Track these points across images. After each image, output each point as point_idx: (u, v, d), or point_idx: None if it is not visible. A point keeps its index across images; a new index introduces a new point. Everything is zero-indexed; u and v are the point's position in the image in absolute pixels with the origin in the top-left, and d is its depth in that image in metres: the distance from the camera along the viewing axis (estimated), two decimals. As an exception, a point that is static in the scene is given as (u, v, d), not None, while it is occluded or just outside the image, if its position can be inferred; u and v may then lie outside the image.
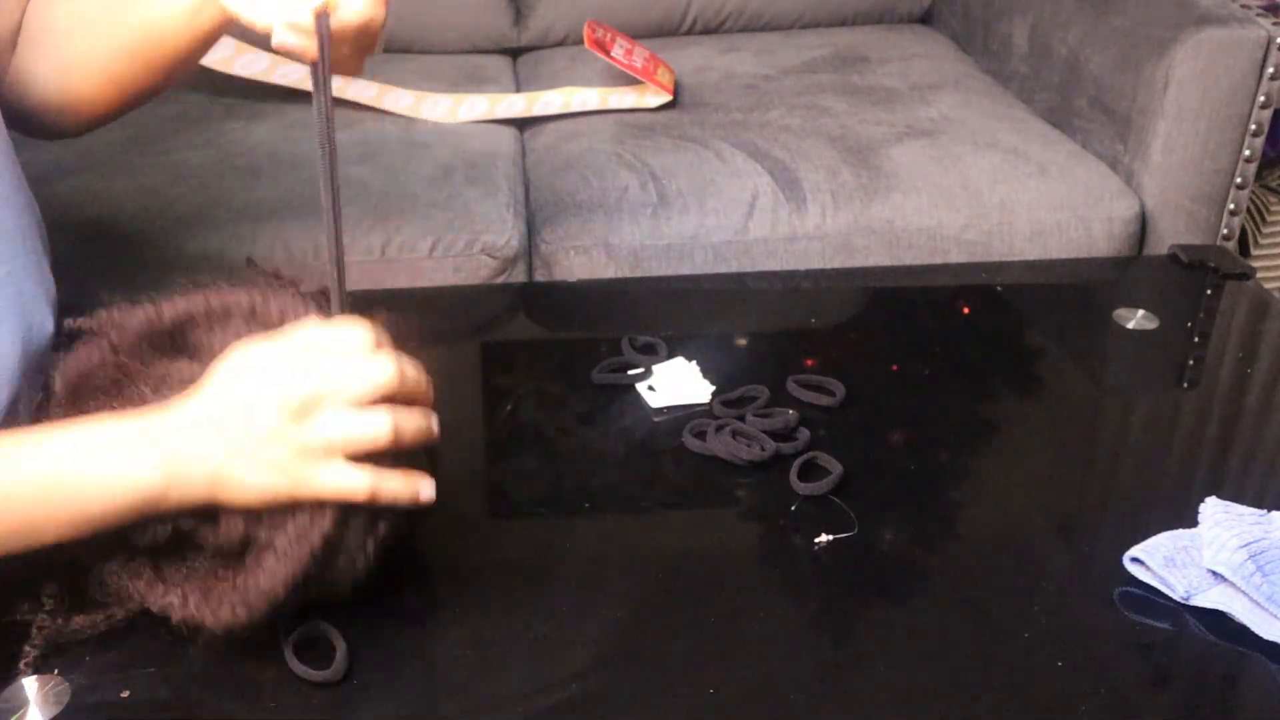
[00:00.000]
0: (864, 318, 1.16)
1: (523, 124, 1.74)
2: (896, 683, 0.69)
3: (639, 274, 1.43)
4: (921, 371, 1.01)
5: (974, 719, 0.68)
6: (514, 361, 1.05)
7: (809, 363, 1.01)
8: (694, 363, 0.98)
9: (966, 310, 1.13)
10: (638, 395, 0.95)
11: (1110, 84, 1.60)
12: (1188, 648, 0.73)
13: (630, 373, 0.97)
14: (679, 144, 1.60)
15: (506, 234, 1.41)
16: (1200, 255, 1.18)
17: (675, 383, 0.96)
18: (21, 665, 0.67)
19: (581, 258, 1.43)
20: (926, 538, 0.81)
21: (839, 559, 0.78)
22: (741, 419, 0.90)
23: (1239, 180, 1.56)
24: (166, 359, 0.71)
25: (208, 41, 0.89)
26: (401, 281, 1.37)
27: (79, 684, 0.67)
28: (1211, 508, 0.77)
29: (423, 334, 0.72)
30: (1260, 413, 0.97)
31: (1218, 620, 0.73)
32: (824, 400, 0.94)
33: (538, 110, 1.73)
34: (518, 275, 1.43)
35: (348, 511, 0.67)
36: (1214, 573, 0.74)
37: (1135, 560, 0.76)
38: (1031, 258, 1.49)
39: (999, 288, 1.17)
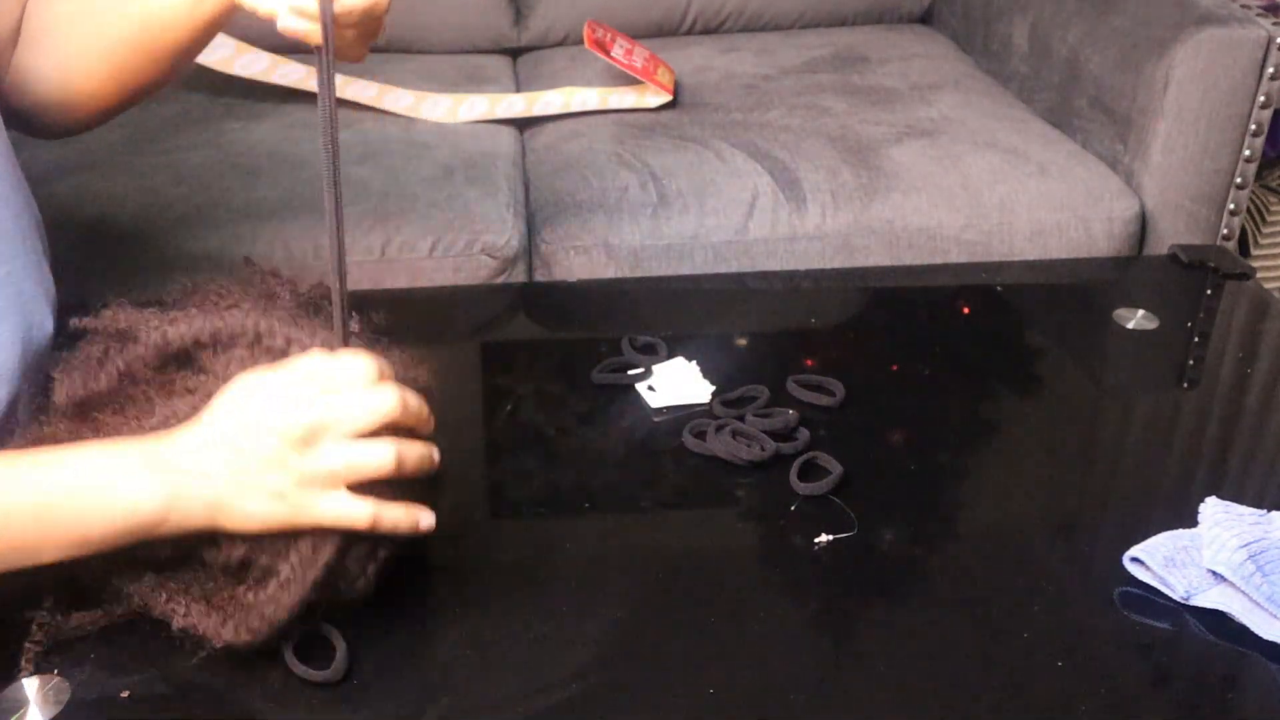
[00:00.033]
0: (864, 318, 1.16)
1: (523, 124, 1.74)
2: (896, 683, 0.69)
3: (639, 274, 1.43)
4: (921, 371, 1.01)
5: (974, 719, 0.68)
6: (514, 361, 1.06)
7: (809, 363, 1.01)
8: (694, 363, 0.98)
9: (966, 310, 1.13)
10: (638, 395, 0.95)
11: (1110, 84, 1.60)
12: (1188, 648, 0.73)
13: (630, 373, 0.97)
14: (679, 144, 1.60)
15: (506, 234, 1.41)
16: (1200, 255, 1.18)
17: (675, 383, 0.96)
18: (22, 663, 0.67)
19: (581, 258, 1.43)
20: (926, 538, 0.81)
21: (839, 559, 0.78)
22: (741, 419, 0.90)
23: (1239, 180, 1.56)
24: (173, 376, 0.72)
25: (210, 32, 0.89)
26: (401, 281, 1.37)
27: (79, 683, 0.67)
28: (1211, 508, 0.77)
29: (429, 374, 0.73)
30: (1260, 413, 0.97)
31: (1218, 620, 0.73)
32: (824, 400, 0.94)
33: (538, 110, 1.73)
34: (518, 275, 1.42)
35: (350, 540, 0.67)
36: (1214, 573, 0.74)
37: (1135, 560, 0.76)
38: (1031, 258, 1.49)
39: (999, 288, 1.17)
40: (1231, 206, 1.57)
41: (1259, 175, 1.66)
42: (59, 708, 0.65)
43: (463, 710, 0.68)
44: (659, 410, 0.93)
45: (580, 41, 1.77)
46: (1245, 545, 0.73)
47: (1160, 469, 0.91)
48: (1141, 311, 1.08)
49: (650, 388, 0.95)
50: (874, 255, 1.47)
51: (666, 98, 1.71)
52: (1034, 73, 1.80)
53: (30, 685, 0.67)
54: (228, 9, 0.86)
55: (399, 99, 1.71)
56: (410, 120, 1.67)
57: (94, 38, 0.89)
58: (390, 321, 0.76)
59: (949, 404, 0.97)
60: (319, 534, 0.66)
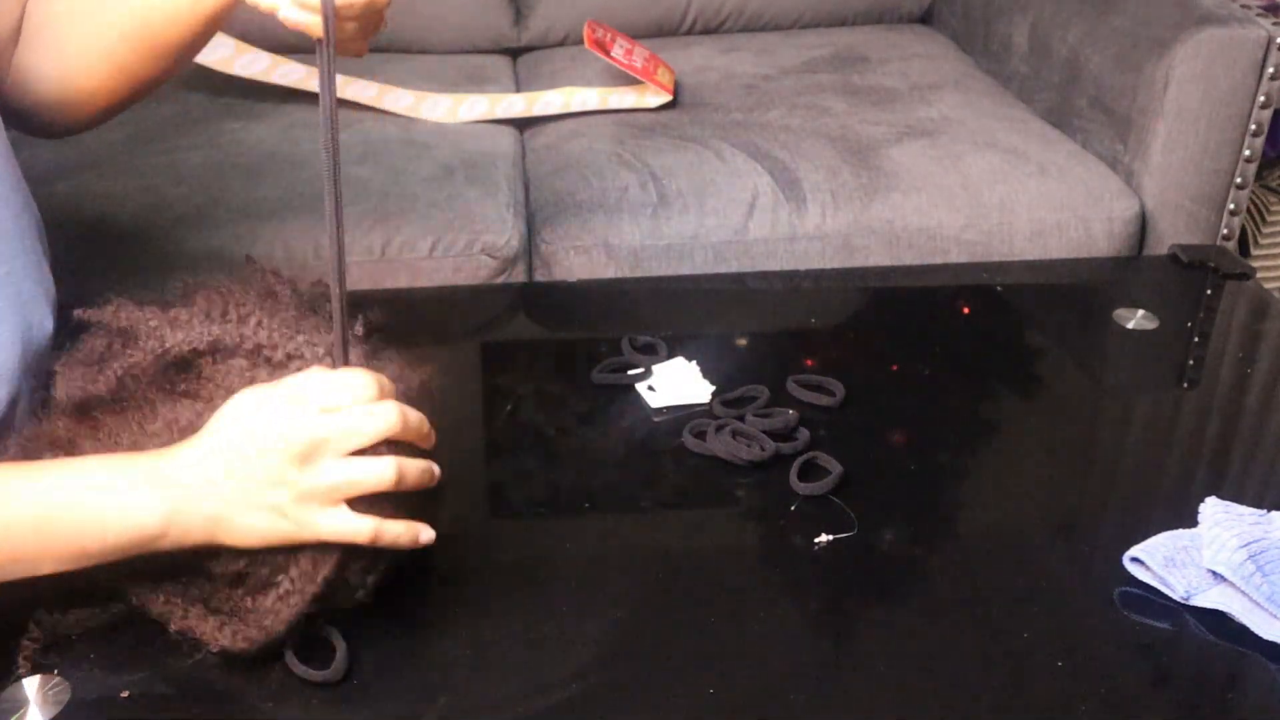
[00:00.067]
0: (864, 318, 1.16)
1: (523, 124, 1.73)
2: (896, 683, 0.69)
3: (639, 274, 1.43)
4: (921, 371, 1.01)
5: (974, 719, 0.68)
6: (514, 361, 1.06)
7: (809, 363, 1.01)
8: (694, 363, 0.98)
9: (966, 310, 1.13)
10: (638, 395, 0.95)
11: (1110, 84, 1.60)
12: (1188, 648, 0.73)
13: (630, 373, 0.97)
14: (679, 144, 1.59)
15: (506, 234, 1.41)
16: (1200, 255, 1.18)
17: (675, 383, 0.95)
18: (20, 660, 0.67)
19: (581, 258, 1.43)
20: (926, 538, 0.81)
21: (839, 559, 0.78)
22: (741, 419, 0.90)
23: (1239, 180, 1.56)
24: (174, 379, 0.72)
25: (212, 26, 0.89)
26: (401, 281, 1.37)
27: (79, 683, 0.67)
28: (1211, 508, 0.77)
29: (432, 387, 0.73)
30: (1260, 413, 0.97)
31: (1218, 620, 0.73)
32: (824, 400, 0.94)
33: (538, 110, 1.73)
34: (518, 275, 1.42)
35: (349, 554, 0.67)
36: (1214, 573, 0.74)
37: (1135, 560, 0.76)
38: (1031, 258, 1.49)
39: (999, 288, 1.17)
40: (1231, 206, 1.57)
41: (1259, 175, 1.66)
42: (59, 708, 0.65)
43: (462, 710, 0.68)
44: (659, 410, 0.93)
45: (580, 41, 1.77)
46: (1245, 545, 0.73)
47: (1160, 469, 0.91)
48: (1141, 311, 1.08)
49: (650, 388, 0.95)
50: (874, 255, 1.47)
51: (666, 98, 1.71)
52: (1034, 73, 1.80)
53: (30, 685, 0.67)
54: (230, 3, 0.86)
55: (399, 99, 1.71)
56: (410, 120, 1.67)
57: (95, 34, 0.89)
58: (390, 321, 0.76)
59: (949, 404, 0.97)
60: (319, 549, 0.66)
